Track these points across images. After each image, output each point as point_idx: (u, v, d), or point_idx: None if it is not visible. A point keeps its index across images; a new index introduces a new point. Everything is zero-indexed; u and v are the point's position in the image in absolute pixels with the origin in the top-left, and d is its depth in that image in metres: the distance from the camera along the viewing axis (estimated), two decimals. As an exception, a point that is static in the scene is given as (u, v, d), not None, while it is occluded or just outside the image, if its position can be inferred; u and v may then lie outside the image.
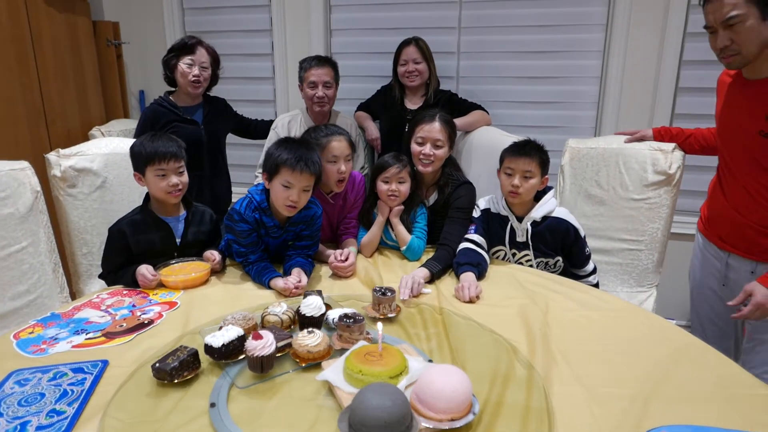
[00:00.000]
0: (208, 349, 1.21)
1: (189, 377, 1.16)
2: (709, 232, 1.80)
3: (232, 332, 1.23)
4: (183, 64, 2.30)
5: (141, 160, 1.74)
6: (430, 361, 1.23)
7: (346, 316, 1.30)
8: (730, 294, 1.65)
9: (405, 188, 1.98)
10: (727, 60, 1.46)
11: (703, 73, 2.57)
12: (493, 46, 2.89)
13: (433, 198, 2.08)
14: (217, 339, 1.21)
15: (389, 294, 1.47)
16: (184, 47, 2.32)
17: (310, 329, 1.27)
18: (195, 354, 1.19)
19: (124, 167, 2.13)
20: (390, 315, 1.46)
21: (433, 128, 1.98)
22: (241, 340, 1.24)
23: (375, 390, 0.95)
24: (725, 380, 1.19)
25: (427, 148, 1.98)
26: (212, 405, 1.08)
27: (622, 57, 2.68)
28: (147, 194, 1.83)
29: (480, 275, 1.72)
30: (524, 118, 2.91)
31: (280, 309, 1.38)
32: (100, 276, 1.83)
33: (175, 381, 1.14)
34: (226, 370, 1.20)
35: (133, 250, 1.75)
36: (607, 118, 2.76)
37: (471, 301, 1.56)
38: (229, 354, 1.22)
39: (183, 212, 1.85)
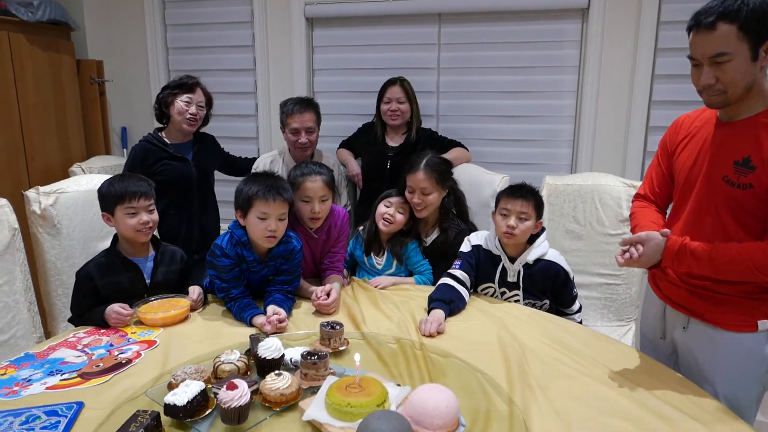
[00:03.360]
0: (170, 409, 1.13)
1: None
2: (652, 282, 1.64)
3: (193, 387, 1.16)
4: (181, 102, 2.32)
5: (110, 199, 1.73)
6: (399, 385, 1.25)
7: (309, 354, 1.30)
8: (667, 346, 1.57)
9: (401, 219, 2.08)
10: (710, 99, 1.31)
11: (672, 113, 2.66)
12: (472, 86, 2.98)
13: (432, 237, 2.13)
14: (180, 397, 1.13)
15: (338, 327, 1.50)
16: (184, 86, 2.34)
17: (277, 372, 1.25)
18: (157, 417, 1.10)
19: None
20: (341, 348, 1.49)
21: (417, 177, 2.05)
22: (204, 394, 1.18)
23: (380, 417, 0.97)
24: (707, 415, 1.20)
25: (416, 197, 2.05)
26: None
27: (594, 97, 2.78)
28: (115, 236, 1.80)
29: (452, 312, 1.74)
30: (503, 155, 2.99)
31: (234, 356, 1.35)
32: (70, 320, 1.78)
33: None
34: (195, 429, 1.13)
35: (101, 292, 1.71)
36: (582, 155, 2.85)
37: (431, 336, 1.59)
38: (193, 411, 1.15)
39: (152, 252, 1.84)
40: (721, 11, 1.21)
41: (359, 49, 3.09)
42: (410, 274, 2.12)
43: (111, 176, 1.81)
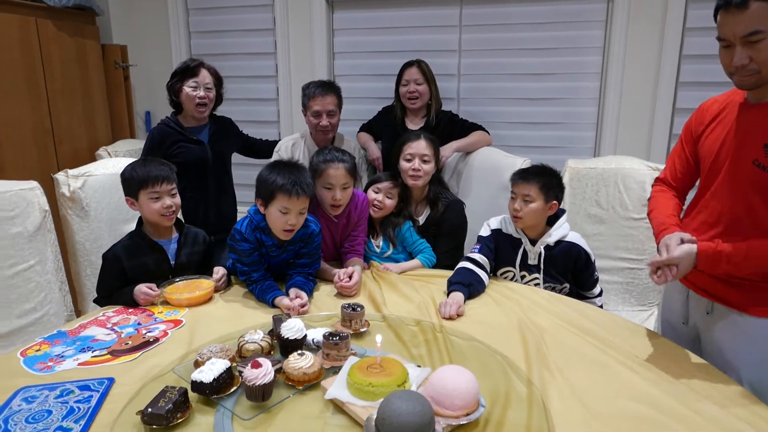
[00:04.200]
0: (197, 385, 1.16)
1: (182, 419, 1.10)
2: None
3: (219, 365, 1.19)
4: (188, 88, 2.34)
5: (133, 184, 1.76)
6: (419, 366, 1.27)
7: (331, 334, 1.32)
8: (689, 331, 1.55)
9: (390, 203, 2.12)
10: (741, 80, 1.27)
11: (699, 95, 2.59)
12: (493, 69, 2.95)
13: (424, 215, 2.16)
14: (206, 374, 1.16)
15: (359, 309, 1.52)
16: (187, 70, 2.35)
17: (300, 352, 1.27)
18: (185, 393, 1.13)
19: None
20: (362, 330, 1.51)
21: (420, 145, 2.10)
22: (229, 372, 1.21)
23: (401, 397, 0.98)
24: (727, 399, 1.19)
25: (416, 163, 2.09)
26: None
27: (619, 79, 2.73)
28: (140, 219, 1.84)
29: (471, 294, 1.75)
30: (524, 139, 2.96)
31: (258, 336, 1.37)
32: (95, 301, 1.83)
33: (170, 425, 1.09)
34: (221, 405, 1.16)
35: (128, 274, 1.75)
36: (606, 138, 2.80)
37: (451, 318, 1.60)
38: (219, 388, 1.18)
39: (176, 234, 1.87)
40: None
41: (380, 32, 3.07)
42: (410, 255, 2.14)
43: (133, 161, 1.84)
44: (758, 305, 1.35)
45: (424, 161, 2.10)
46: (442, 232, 2.11)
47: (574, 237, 1.86)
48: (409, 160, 2.11)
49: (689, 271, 1.36)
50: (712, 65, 1.54)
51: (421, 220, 2.17)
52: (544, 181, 1.83)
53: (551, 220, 1.87)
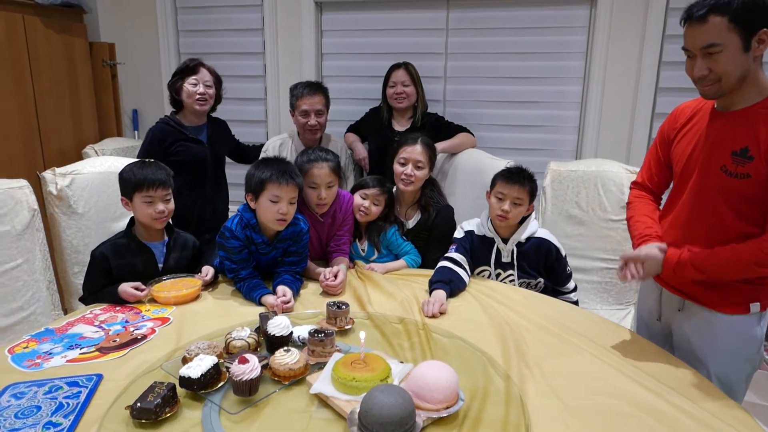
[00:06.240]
0: (185, 381, 1.19)
1: (170, 414, 1.13)
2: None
3: (207, 361, 1.22)
4: (188, 85, 2.37)
5: (129, 186, 1.78)
6: (401, 362, 1.31)
7: (316, 332, 1.36)
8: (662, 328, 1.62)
9: (376, 210, 2.13)
10: (704, 89, 1.34)
11: (678, 100, 2.65)
12: (479, 72, 2.99)
13: (414, 219, 2.18)
14: (194, 370, 1.18)
15: (344, 307, 1.56)
16: (187, 69, 2.40)
17: (286, 348, 1.30)
18: (173, 389, 1.16)
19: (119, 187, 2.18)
20: (347, 327, 1.55)
21: (415, 150, 2.11)
22: (216, 368, 1.24)
23: (383, 391, 1.03)
24: (697, 393, 1.25)
25: (409, 169, 2.10)
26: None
27: (600, 84, 2.79)
28: (131, 218, 1.86)
29: (452, 291, 1.80)
30: (508, 141, 3.01)
31: (245, 333, 1.40)
32: (81, 299, 1.83)
33: (159, 419, 1.11)
34: (208, 399, 1.19)
35: (114, 273, 1.76)
36: (587, 141, 2.87)
37: (434, 316, 1.64)
38: (207, 384, 1.21)
39: (165, 238, 1.89)
40: (713, 4, 1.24)
41: (368, 34, 3.11)
42: (396, 258, 2.16)
43: (132, 161, 1.85)
44: (726, 303, 1.42)
45: (418, 167, 2.11)
46: (433, 238, 2.13)
47: (543, 233, 1.95)
48: (402, 164, 2.13)
49: (655, 274, 1.42)
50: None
51: (411, 223, 2.19)
52: (532, 185, 1.92)
53: (521, 218, 1.94)
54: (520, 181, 1.89)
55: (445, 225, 2.13)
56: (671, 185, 1.59)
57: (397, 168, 2.14)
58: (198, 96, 2.38)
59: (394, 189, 2.23)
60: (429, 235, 2.15)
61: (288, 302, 1.70)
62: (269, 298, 1.71)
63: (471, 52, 2.98)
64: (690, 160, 1.45)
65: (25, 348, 1.44)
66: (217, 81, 2.49)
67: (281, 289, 1.75)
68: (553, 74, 2.90)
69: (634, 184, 1.69)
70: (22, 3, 2.77)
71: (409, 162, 2.11)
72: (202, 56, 2.58)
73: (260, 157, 2.54)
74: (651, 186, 1.64)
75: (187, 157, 2.38)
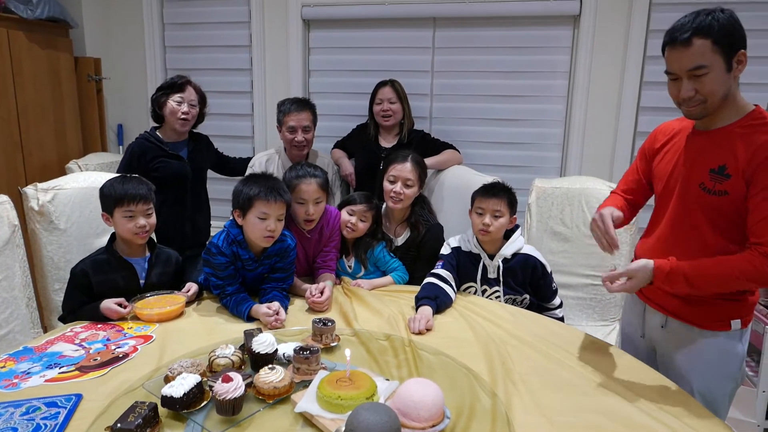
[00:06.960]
0: (168, 400, 1.17)
1: None
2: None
3: (190, 380, 1.20)
4: (172, 102, 2.36)
5: (110, 201, 1.76)
6: (387, 380, 1.30)
7: (302, 349, 1.35)
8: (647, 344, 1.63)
9: (363, 227, 2.12)
10: (689, 110, 1.36)
11: (658, 119, 2.70)
12: (465, 90, 3.03)
13: (403, 237, 2.18)
14: (177, 389, 1.17)
15: (329, 324, 1.55)
16: (174, 86, 2.39)
17: (270, 366, 1.29)
18: (155, 408, 1.14)
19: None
20: (332, 344, 1.54)
21: (405, 168, 2.11)
22: (199, 386, 1.22)
23: (369, 409, 1.02)
24: (681, 409, 1.26)
25: (398, 187, 2.10)
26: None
27: (584, 102, 2.84)
28: (112, 234, 1.83)
29: (439, 307, 1.79)
30: (494, 158, 3.04)
31: (229, 351, 1.38)
32: (60, 318, 1.79)
33: None
34: (191, 419, 1.17)
35: (95, 290, 1.73)
36: (572, 159, 2.91)
37: (420, 333, 1.64)
38: (189, 403, 1.19)
39: (147, 254, 1.87)
40: (696, 27, 1.28)
41: (355, 51, 3.14)
42: (384, 275, 2.15)
43: (113, 176, 1.84)
44: (709, 320, 1.43)
45: (407, 185, 2.11)
46: (422, 257, 2.12)
47: (529, 249, 1.96)
48: (392, 182, 2.12)
49: (644, 285, 1.43)
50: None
51: (400, 241, 2.18)
52: (510, 197, 1.94)
53: (506, 234, 1.96)
54: (496, 193, 1.92)
55: (434, 243, 2.11)
56: (652, 202, 1.61)
57: (387, 185, 2.14)
58: (181, 115, 2.37)
59: (383, 206, 2.23)
60: (418, 253, 2.14)
61: (279, 316, 1.68)
62: (261, 308, 1.69)
63: (457, 70, 3.02)
64: (670, 179, 1.48)
65: (2, 368, 1.41)
66: (202, 100, 2.49)
67: (275, 305, 1.72)
68: (538, 93, 2.95)
69: (611, 193, 1.75)
70: (6, 17, 2.75)
71: (399, 180, 2.11)
72: (189, 72, 2.59)
73: (247, 173, 2.55)
74: (626, 195, 1.69)
75: (167, 173, 2.36)
